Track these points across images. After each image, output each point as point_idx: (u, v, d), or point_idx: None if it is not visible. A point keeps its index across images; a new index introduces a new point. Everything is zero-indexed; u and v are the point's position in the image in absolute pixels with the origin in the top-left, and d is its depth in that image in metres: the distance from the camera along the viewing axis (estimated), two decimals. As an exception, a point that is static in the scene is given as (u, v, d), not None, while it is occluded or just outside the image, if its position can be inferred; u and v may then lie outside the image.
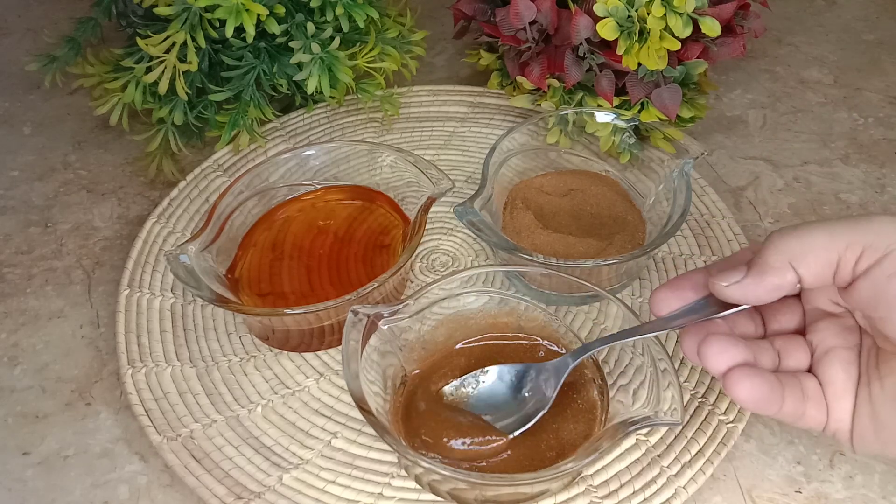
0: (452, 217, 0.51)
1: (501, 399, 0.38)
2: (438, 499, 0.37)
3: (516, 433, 0.36)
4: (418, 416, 0.38)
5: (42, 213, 0.53)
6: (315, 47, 0.50)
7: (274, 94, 0.55)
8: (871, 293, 0.29)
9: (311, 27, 0.50)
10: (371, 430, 0.39)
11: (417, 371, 0.40)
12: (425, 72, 0.64)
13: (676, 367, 0.42)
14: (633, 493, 0.37)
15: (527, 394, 0.38)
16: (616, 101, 0.51)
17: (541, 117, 0.49)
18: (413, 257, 0.44)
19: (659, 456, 0.39)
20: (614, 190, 0.49)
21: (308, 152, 0.48)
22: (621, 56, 0.48)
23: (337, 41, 0.51)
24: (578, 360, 0.37)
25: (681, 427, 0.40)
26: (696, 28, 0.48)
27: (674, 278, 0.34)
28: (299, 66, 0.51)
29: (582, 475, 0.38)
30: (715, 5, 0.49)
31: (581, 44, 0.50)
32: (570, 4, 0.49)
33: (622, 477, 0.38)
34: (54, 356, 0.45)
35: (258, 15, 0.47)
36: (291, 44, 0.51)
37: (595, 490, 0.38)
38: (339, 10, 0.51)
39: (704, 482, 0.38)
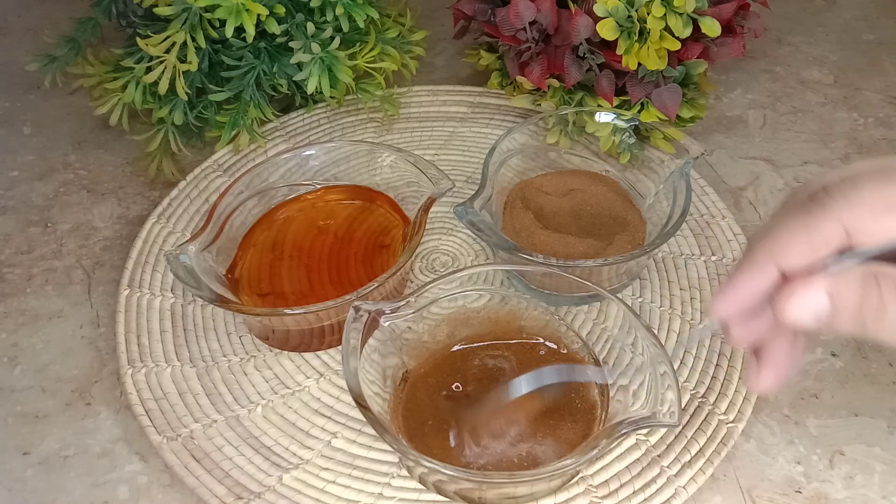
0: (452, 217, 0.51)
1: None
2: (439, 499, 0.37)
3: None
4: (419, 415, 0.38)
5: (42, 213, 0.53)
6: (315, 47, 0.50)
7: (274, 94, 0.55)
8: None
9: (311, 27, 0.50)
10: (371, 430, 0.39)
11: (418, 369, 0.40)
12: (425, 72, 0.64)
13: (676, 368, 0.42)
14: (633, 492, 0.37)
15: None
16: (616, 101, 0.51)
17: (541, 117, 0.49)
18: (413, 257, 0.44)
19: (659, 456, 0.39)
20: (614, 190, 0.49)
21: (308, 152, 0.48)
22: (621, 56, 0.48)
23: (337, 41, 0.51)
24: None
25: (679, 428, 0.40)
26: (696, 28, 0.47)
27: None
28: (299, 66, 0.51)
29: (581, 475, 0.38)
30: (715, 5, 0.49)
31: (581, 44, 0.50)
32: (570, 4, 0.49)
33: (622, 477, 0.38)
34: (54, 356, 0.45)
35: (258, 15, 0.47)
36: (291, 44, 0.51)
37: (595, 490, 0.38)
38: (339, 10, 0.51)
39: (704, 482, 0.38)
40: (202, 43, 0.48)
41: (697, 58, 0.50)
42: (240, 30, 0.47)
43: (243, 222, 0.46)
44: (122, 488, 0.39)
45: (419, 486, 0.38)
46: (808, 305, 0.26)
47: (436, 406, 0.38)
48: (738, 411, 0.40)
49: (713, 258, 0.48)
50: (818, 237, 0.26)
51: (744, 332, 0.29)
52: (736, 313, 0.28)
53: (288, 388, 0.42)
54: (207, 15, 0.47)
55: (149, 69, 0.49)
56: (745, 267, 0.28)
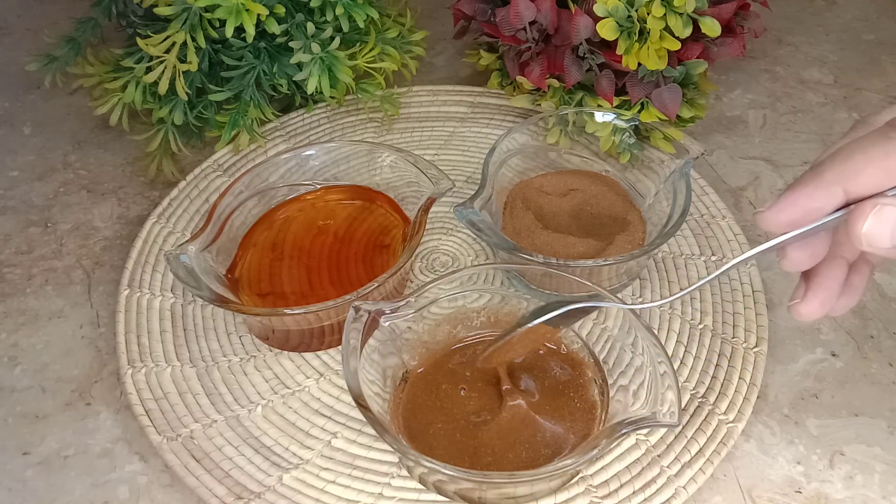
0: (452, 217, 0.51)
1: None
2: (439, 499, 0.37)
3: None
4: (419, 415, 0.38)
5: (42, 213, 0.53)
6: (315, 47, 0.50)
7: (274, 94, 0.55)
8: None
9: (311, 27, 0.50)
10: (371, 430, 0.39)
11: (418, 369, 0.40)
12: (425, 72, 0.64)
13: (676, 368, 0.42)
14: (633, 493, 0.37)
15: None
16: (616, 101, 0.51)
17: (541, 117, 0.49)
18: (413, 257, 0.44)
19: (659, 456, 0.39)
20: (614, 190, 0.49)
21: (308, 152, 0.48)
22: (621, 56, 0.48)
23: (337, 41, 0.51)
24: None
25: (679, 428, 0.40)
26: (696, 28, 0.48)
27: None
28: (299, 66, 0.51)
29: (581, 475, 0.38)
30: (715, 5, 0.49)
31: (581, 44, 0.50)
32: (570, 4, 0.49)
33: (622, 477, 0.38)
34: (54, 356, 0.45)
35: (258, 15, 0.47)
36: (291, 44, 0.51)
37: (595, 490, 0.38)
38: (339, 10, 0.51)
39: (704, 482, 0.38)
40: (202, 43, 0.48)
41: (697, 58, 0.50)
42: (240, 30, 0.47)
43: (243, 222, 0.46)
44: (122, 488, 0.39)
45: (419, 486, 0.38)
46: (886, 223, 0.24)
47: (436, 405, 0.38)
48: (738, 411, 0.40)
49: (713, 258, 0.48)
50: None
51: (804, 257, 0.27)
52: (784, 227, 0.27)
53: (288, 388, 0.42)
54: (207, 15, 0.47)
55: (149, 69, 0.49)
56: (810, 184, 0.26)
